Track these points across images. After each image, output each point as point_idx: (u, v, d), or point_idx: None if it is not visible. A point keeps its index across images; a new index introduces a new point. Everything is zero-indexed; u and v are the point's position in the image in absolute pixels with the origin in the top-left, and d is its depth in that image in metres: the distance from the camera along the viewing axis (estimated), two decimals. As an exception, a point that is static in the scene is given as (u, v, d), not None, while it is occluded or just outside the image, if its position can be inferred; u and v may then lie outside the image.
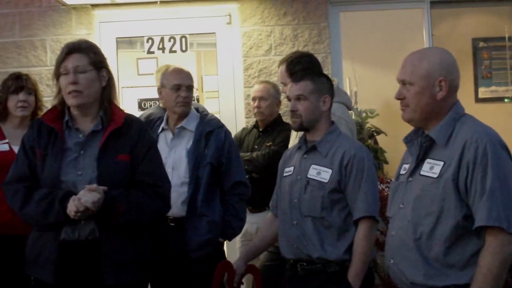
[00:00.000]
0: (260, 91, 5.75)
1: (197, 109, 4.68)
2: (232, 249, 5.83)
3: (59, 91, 3.58)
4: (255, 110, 5.77)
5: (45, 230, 3.49)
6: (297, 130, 3.94)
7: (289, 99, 3.92)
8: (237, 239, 5.36)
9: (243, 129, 6.03)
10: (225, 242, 4.75)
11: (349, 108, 4.68)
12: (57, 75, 3.55)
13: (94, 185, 3.35)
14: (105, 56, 3.69)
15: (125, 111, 3.70)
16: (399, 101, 3.14)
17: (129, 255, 3.50)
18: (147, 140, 3.65)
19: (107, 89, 3.61)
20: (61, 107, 3.61)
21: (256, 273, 4.09)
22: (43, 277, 3.48)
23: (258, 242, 4.15)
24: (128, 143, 3.56)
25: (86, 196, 3.30)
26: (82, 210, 3.29)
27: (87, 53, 3.53)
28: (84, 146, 3.52)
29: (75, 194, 3.36)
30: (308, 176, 3.78)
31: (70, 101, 3.51)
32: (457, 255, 2.91)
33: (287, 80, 4.53)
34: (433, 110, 3.04)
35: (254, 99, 5.79)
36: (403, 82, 3.08)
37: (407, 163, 3.17)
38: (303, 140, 3.91)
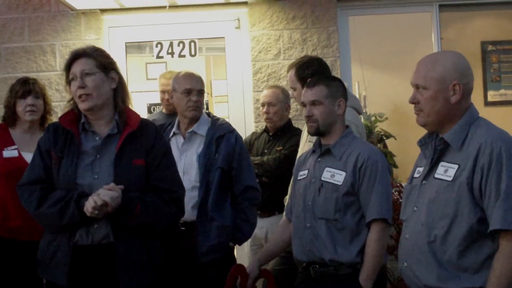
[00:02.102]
0: (269, 96, 5.73)
1: (208, 114, 4.67)
2: (241, 254, 5.82)
3: (72, 98, 3.61)
4: (264, 116, 5.76)
5: (59, 232, 3.49)
6: (313, 134, 3.93)
7: (303, 105, 3.92)
8: (246, 243, 5.36)
9: (253, 133, 6.02)
10: (235, 247, 4.74)
11: (359, 112, 4.67)
12: (68, 82, 3.58)
13: (112, 184, 3.37)
14: (114, 60, 3.71)
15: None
16: (408, 105, 3.14)
17: (142, 260, 3.51)
18: (162, 145, 3.67)
19: (119, 91, 3.63)
20: (77, 110, 3.62)
21: (270, 277, 4.09)
22: (55, 280, 3.49)
23: (272, 246, 4.15)
24: (143, 147, 3.57)
25: (105, 192, 3.32)
26: (100, 205, 3.29)
27: (93, 57, 3.57)
28: (100, 150, 3.53)
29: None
30: (322, 178, 3.78)
31: (81, 105, 3.53)
32: (471, 258, 2.91)
33: (297, 84, 4.54)
34: (447, 114, 3.04)
35: (263, 104, 5.78)
36: (416, 86, 3.08)
37: (420, 166, 3.18)
38: (317, 144, 3.92)
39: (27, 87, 4.65)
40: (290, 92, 5.00)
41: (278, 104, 5.67)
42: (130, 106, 3.70)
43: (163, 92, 6.01)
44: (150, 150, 3.58)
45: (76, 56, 3.57)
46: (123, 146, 3.52)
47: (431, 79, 3.03)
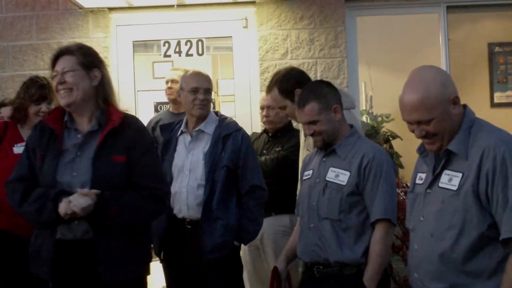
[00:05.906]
0: (267, 100, 5.69)
1: (216, 113, 4.68)
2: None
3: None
4: (264, 119, 5.71)
5: (42, 228, 3.54)
6: (323, 147, 3.88)
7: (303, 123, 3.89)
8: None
9: (253, 133, 5.97)
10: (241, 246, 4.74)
11: (352, 108, 4.47)
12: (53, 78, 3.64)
13: (86, 190, 3.38)
14: (100, 58, 3.72)
15: (124, 112, 3.69)
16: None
17: (124, 254, 3.50)
18: (144, 141, 3.65)
19: (101, 89, 3.62)
20: (62, 108, 3.66)
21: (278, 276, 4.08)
22: (41, 273, 3.54)
23: (294, 244, 4.04)
24: (124, 143, 3.55)
25: (77, 201, 3.34)
26: (70, 214, 3.33)
27: (75, 54, 3.59)
28: (81, 147, 3.55)
29: (69, 193, 3.39)
30: (327, 178, 3.77)
31: (62, 101, 3.57)
32: (483, 265, 2.85)
33: (285, 102, 4.40)
34: (454, 127, 2.96)
35: (262, 108, 5.72)
36: (418, 123, 2.97)
37: (422, 172, 3.13)
38: (322, 145, 3.90)
39: (43, 93, 4.68)
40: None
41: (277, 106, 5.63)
42: (116, 103, 3.69)
43: (166, 82, 6.25)
44: (131, 146, 3.56)
45: (60, 53, 3.61)
46: (104, 142, 3.51)
47: (431, 108, 2.92)
